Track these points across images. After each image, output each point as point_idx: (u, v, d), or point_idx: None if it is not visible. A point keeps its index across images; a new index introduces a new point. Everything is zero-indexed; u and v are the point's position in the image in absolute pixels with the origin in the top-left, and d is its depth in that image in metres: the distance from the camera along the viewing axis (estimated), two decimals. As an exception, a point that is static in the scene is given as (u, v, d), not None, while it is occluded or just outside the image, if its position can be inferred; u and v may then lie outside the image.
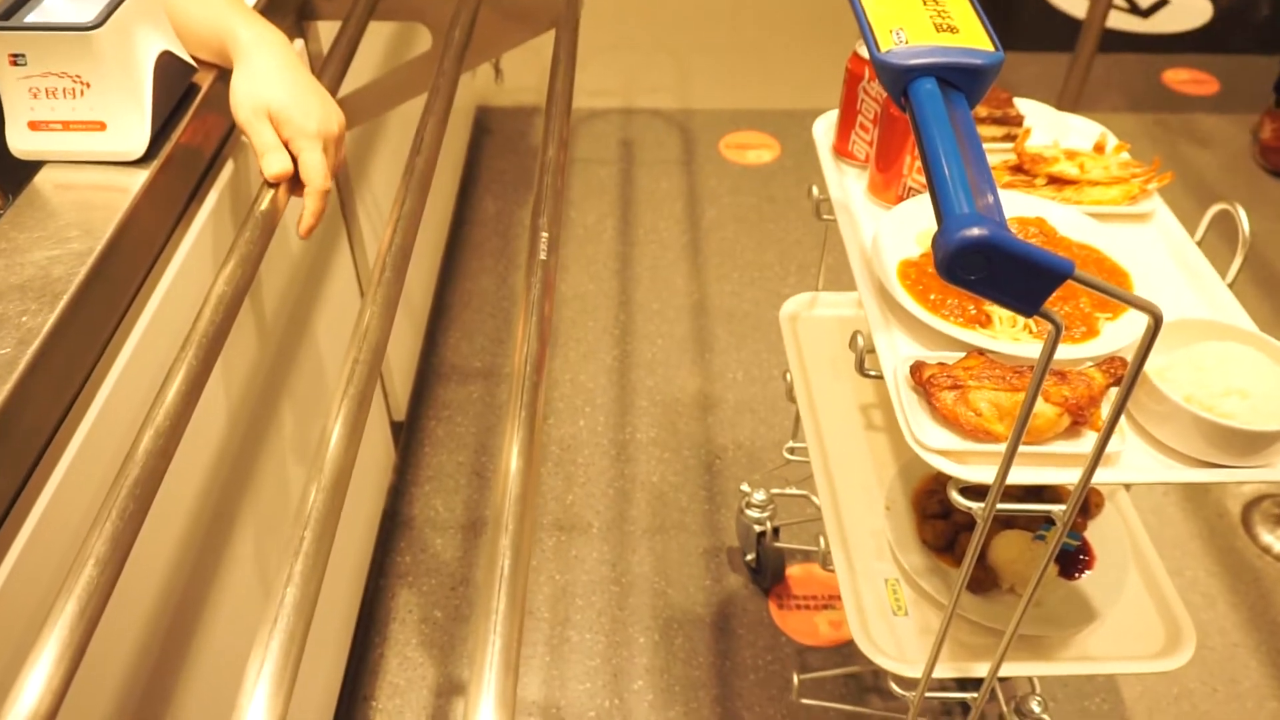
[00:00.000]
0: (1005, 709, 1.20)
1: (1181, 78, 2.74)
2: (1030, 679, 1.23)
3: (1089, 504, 1.06)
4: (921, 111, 0.63)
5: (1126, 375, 0.64)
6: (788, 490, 1.47)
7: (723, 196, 2.30)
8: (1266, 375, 0.78)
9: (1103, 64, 2.73)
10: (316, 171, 0.81)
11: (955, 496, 0.77)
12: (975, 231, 0.54)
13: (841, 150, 1.07)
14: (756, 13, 3.01)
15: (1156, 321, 0.59)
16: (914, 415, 0.79)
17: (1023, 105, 1.08)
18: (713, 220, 2.23)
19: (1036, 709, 1.15)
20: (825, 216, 1.06)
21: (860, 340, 0.89)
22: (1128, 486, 1.12)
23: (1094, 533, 1.06)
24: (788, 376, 1.22)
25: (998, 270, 0.56)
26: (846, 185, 1.05)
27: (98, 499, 0.67)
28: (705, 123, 2.54)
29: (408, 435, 1.74)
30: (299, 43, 1.09)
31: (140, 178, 0.75)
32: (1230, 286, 0.89)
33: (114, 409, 0.69)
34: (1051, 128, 1.08)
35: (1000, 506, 0.74)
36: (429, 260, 1.89)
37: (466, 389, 1.84)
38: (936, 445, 0.77)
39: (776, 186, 2.33)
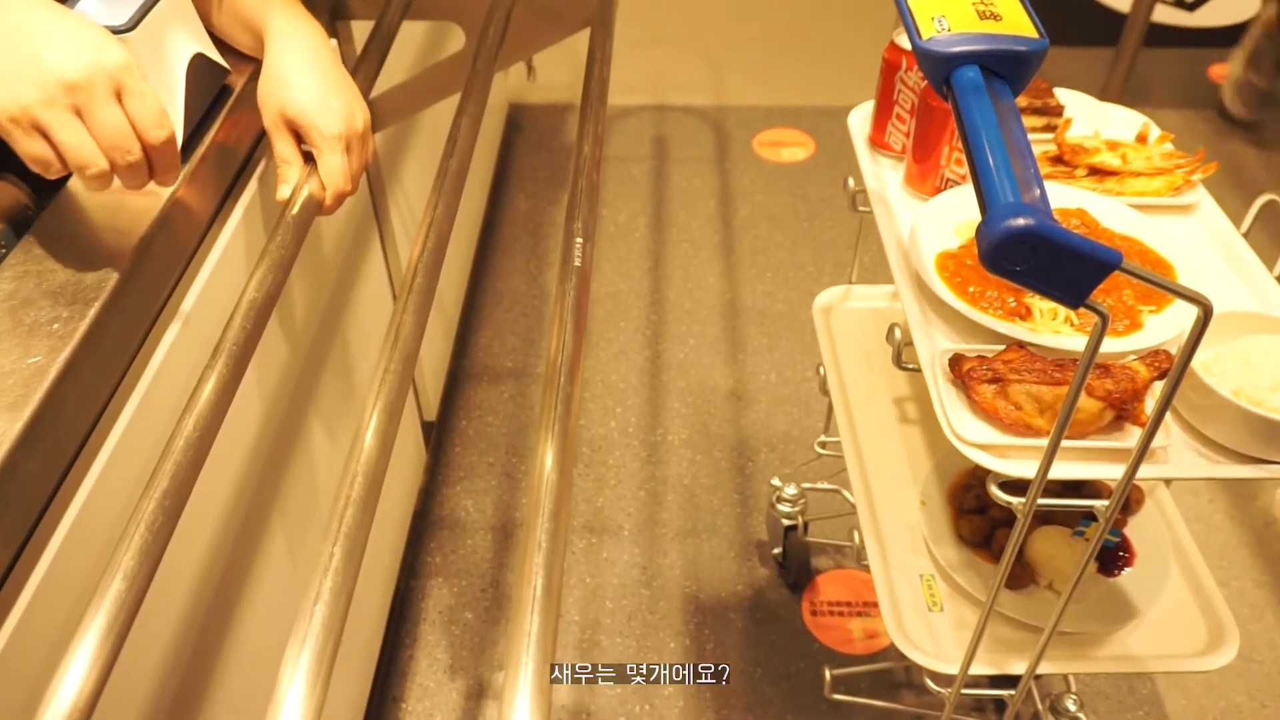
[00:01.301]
0: (1040, 706, 1.20)
1: (1227, 72, 2.68)
2: (1066, 676, 1.22)
3: (1129, 500, 1.05)
4: (965, 100, 0.62)
5: (1174, 367, 0.63)
6: (819, 485, 1.45)
7: (756, 194, 2.28)
8: None
9: (1147, 59, 2.66)
10: (335, 175, 0.80)
11: (995, 491, 0.76)
12: (1021, 221, 0.53)
13: (877, 141, 1.06)
14: (791, 7, 2.98)
15: (1206, 313, 0.57)
16: (953, 409, 0.78)
17: (1063, 95, 1.06)
18: (746, 219, 2.21)
19: (1072, 707, 1.14)
20: (861, 208, 1.05)
21: (898, 333, 0.88)
22: (1168, 482, 1.09)
23: (1134, 529, 1.04)
24: (821, 370, 1.21)
25: (1043, 261, 0.55)
26: (882, 176, 1.04)
27: (128, 508, 0.66)
28: (739, 120, 2.51)
29: (439, 435, 1.74)
30: (331, 43, 1.08)
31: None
32: (1278, 279, 0.87)
33: (145, 416, 0.69)
34: (1092, 118, 1.06)
35: (1041, 502, 0.73)
36: (460, 260, 1.89)
37: (497, 389, 1.83)
38: (976, 439, 0.76)
39: (811, 185, 2.30)
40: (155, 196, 0.73)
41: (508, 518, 1.63)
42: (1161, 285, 0.57)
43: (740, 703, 1.39)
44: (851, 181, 1.07)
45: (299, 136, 0.80)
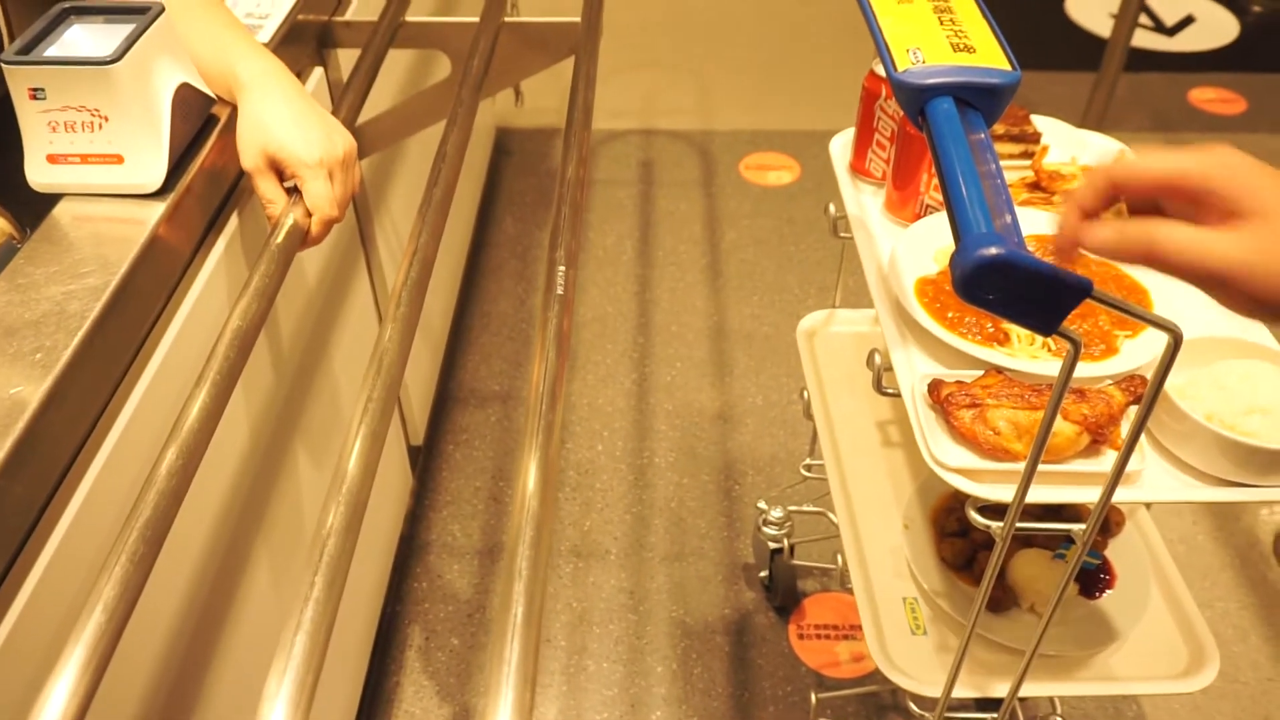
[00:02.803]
0: None
1: (1208, 96, 2.72)
2: (1051, 699, 1.21)
3: (1109, 523, 1.05)
4: (939, 131, 0.63)
5: (1146, 393, 0.63)
6: (804, 508, 1.46)
7: (742, 218, 2.29)
8: None
9: (1127, 83, 2.70)
10: (320, 199, 0.80)
11: (974, 515, 0.77)
12: (992, 251, 0.54)
13: (858, 168, 1.08)
14: (777, 33, 3.01)
15: (1176, 341, 0.58)
16: (932, 434, 0.79)
17: (1040, 122, 1.08)
18: (732, 242, 2.22)
19: None
20: (842, 234, 1.06)
21: (878, 358, 0.89)
22: (1148, 505, 1.10)
23: (1114, 552, 1.05)
24: (804, 394, 1.22)
25: (1015, 289, 0.55)
26: (863, 203, 1.05)
27: (110, 537, 0.66)
28: (725, 144, 2.53)
29: (425, 459, 1.73)
30: (318, 71, 1.09)
31: (158, 210, 0.75)
32: None
33: (128, 445, 0.69)
34: (1069, 145, 1.07)
35: (1019, 525, 0.74)
36: (448, 284, 1.89)
37: (484, 413, 1.84)
38: (954, 464, 0.77)
39: (797, 208, 2.32)
40: (139, 226, 0.74)
41: (494, 542, 1.62)
42: (1132, 313, 0.57)
43: (727, 727, 1.38)
44: (833, 208, 1.08)
45: (282, 176, 0.81)
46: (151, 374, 0.72)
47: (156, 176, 0.75)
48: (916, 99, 0.66)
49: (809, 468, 1.42)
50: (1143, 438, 0.79)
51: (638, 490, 1.70)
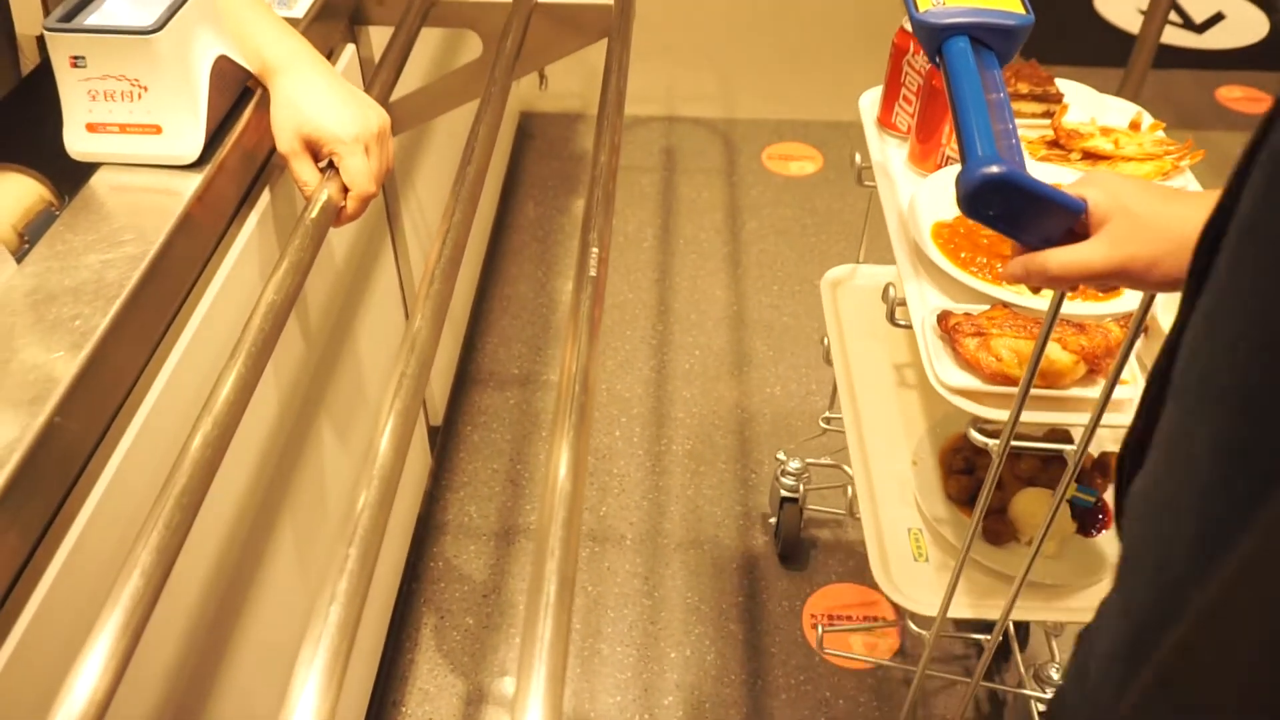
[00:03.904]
0: (1024, 674, 1.27)
1: (1235, 95, 2.69)
2: (1050, 647, 1.32)
3: (1109, 467, 1.11)
4: (953, 66, 0.69)
5: (1134, 316, 0.71)
6: (822, 460, 1.52)
7: (764, 208, 2.28)
8: None
9: (1155, 80, 2.67)
10: (359, 175, 0.81)
11: (973, 433, 0.83)
12: (994, 169, 0.60)
13: (885, 122, 1.14)
14: (801, 23, 2.99)
15: None
16: (938, 359, 0.86)
17: (1063, 85, 1.13)
18: (753, 231, 2.22)
19: (1055, 676, 1.20)
20: (866, 183, 1.13)
21: (892, 291, 0.95)
22: None
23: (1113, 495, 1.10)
24: (825, 341, 1.30)
25: (1014, 206, 0.62)
26: (888, 154, 1.12)
27: (145, 505, 0.67)
28: (748, 133, 2.52)
29: (444, 440, 1.74)
30: (350, 48, 1.09)
31: (194, 182, 0.75)
32: None
33: (162, 414, 0.69)
34: (1090, 106, 1.12)
35: (1015, 444, 0.81)
36: (470, 266, 1.89)
37: (503, 395, 1.84)
38: (958, 386, 0.84)
39: (819, 199, 2.31)
40: (176, 197, 0.74)
41: (511, 524, 1.63)
42: None
43: (739, 715, 1.39)
44: (859, 157, 1.14)
45: (316, 158, 0.81)
46: (185, 344, 0.73)
47: (194, 148, 0.75)
48: (935, 37, 0.71)
49: (828, 420, 1.49)
50: (1137, 371, 0.85)
51: (654, 477, 1.70)
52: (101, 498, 0.63)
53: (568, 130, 2.52)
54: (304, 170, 0.81)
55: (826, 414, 1.49)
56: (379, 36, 1.17)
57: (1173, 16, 3.00)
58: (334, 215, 0.79)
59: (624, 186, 2.34)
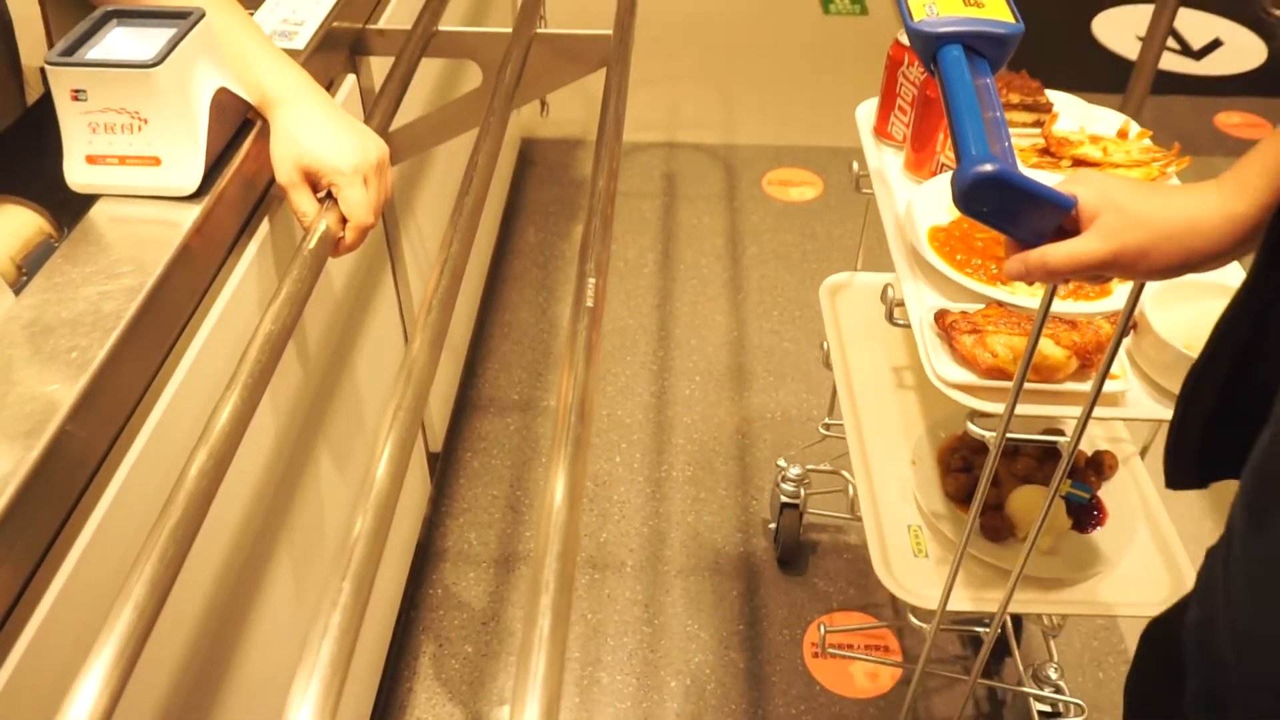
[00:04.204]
0: (1023, 674, 1.30)
1: (1234, 121, 2.70)
2: (1048, 647, 1.36)
3: (1103, 465, 1.16)
4: (948, 73, 0.72)
5: (1123, 310, 0.75)
6: (821, 466, 1.55)
7: (764, 233, 2.29)
8: None
9: (1153, 106, 2.69)
10: (358, 206, 0.81)
11: (970, 427, 0.87)
12: (987, 168, 0.63)
13: (881, 131, 1.18)
14: (802, 48, 3.01)
15: None
16: (936, 356, 0.89)
17: (1053, 95, 1.17)
18: (754, 257, 2.22)
19: (1054, 675, 1.25)
20: (864, 190, 1.17)
21: (891, 291, 0.99)
22: (1143, 453, 1.22)
23: (1108, 494, 1.15)
24: (824, 345, 1.33)
25: (1007, 203, 0.65)
26: (884, 161, 1.16)
27: (140, 536, 0.66)
28: (748, 158, 2.54)
29: (443, 466, 1.74)
30: (350, 78, 1.10)
31: (193, 213, 0.76)
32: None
33: (158, 446, 0.69)
34: (1079, 116, 1.17)
35: (1010, 436, 0.84)
36: (470, 292, 1.90)
37: (503, 421, 1.84)
38: (955, 381, 0.87)
39: (819, 224, 2.32)
40: (175, 228, 0.74)
41: (510, 551, 1.62)
42: None
43: (740, 744, 1.37)
44: (856, 165, 1.19)
45: (315, 189, 0.81)
46: (183, 374, 0.73)
47: (193, 179, 0.76)
48: (930, 45, 0.74)
49: (827, 426, 1.53)
50: (1129, 366, 0.89)
51: (655, 503, 1.69)
52: (97, 530, 0.63)
53: (568, 157, 2.53)
54: (303, 201, 0.81)
55: (826, 420, 1.53)
56: (380, 67, 1.18)
57: (1171, 43, 3.02)
58: (332, 246, 0.80)
59: (625, 212, 2.35)
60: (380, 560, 0.57)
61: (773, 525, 1.61)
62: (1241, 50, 3.03)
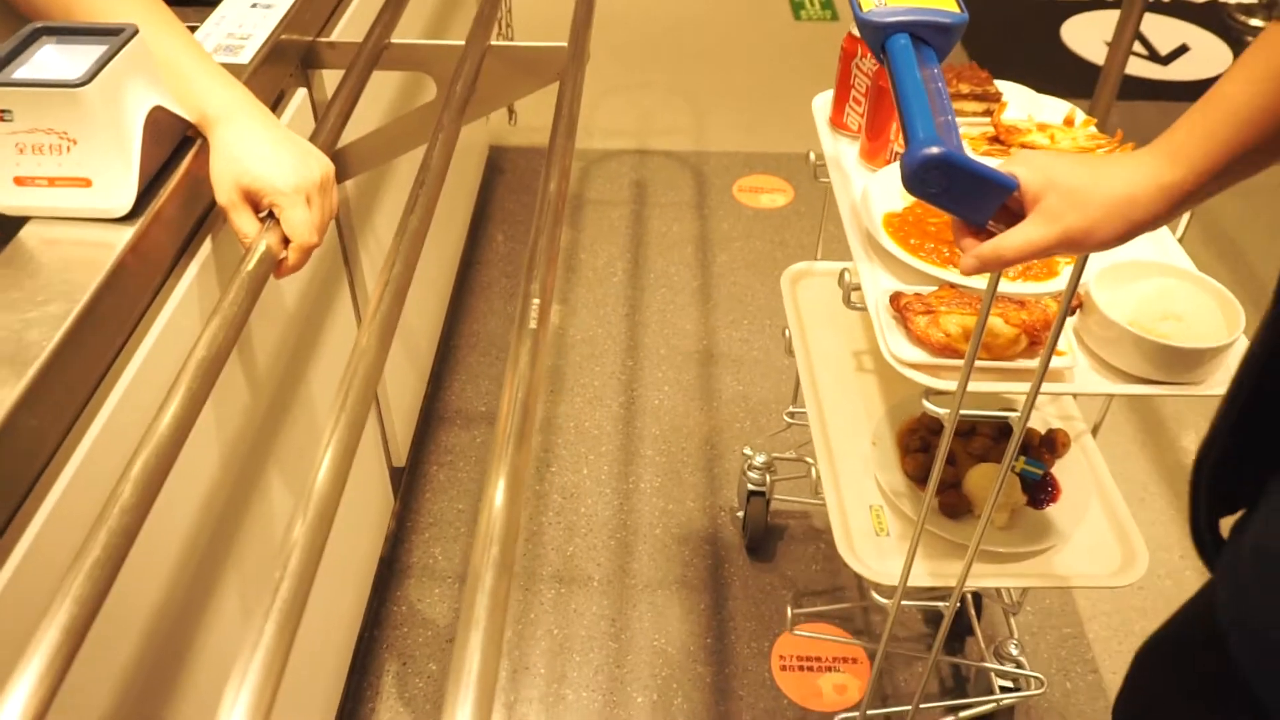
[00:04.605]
0: (985, 651, 1.35)
1: (1202, 127, 2.72)
2: (1009, 624, 1.40)
3: (1056, 443, 1.19)
4: (896, 61, 0.75)
5: (1067, 287, 0.77)
6: (786, 454, 1.59)
7: (735, 241, 2.28)
8: (1200, 305, 0.91)
9: (1120, 111, 2.70)
10: (300, 226, 0.79)
11: (925, 404, 0.90)
12: (933, 150, 0.67)
13: (837, 122, 1.21)
14: (773, 54, 3.01)
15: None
16: (891, 336, 0.92)
17: (1001, 85, 1.20)
18: (724, 265, 2.21)
19: (1014, 651, 1.30)
20: (821, 179, 1.19)
21: (848, 276, 1.02)
22: (1094, 431, 1.26)
23: (1061, 470, 1.19)
24: (786, 333, 1.36)
25: (953, 184, 0.68)
26: (841, 151, 1.19)
27: (61, 575, 0.64)
28: (719, 165, 2.53)
29: (409, 480, 1.71)
30: (301, 92, 1.08)
31: (126, 235, 0.74)
32: (1180, 241, 1.02)
33: (86, 480, 0.67)
34: (1027, 105, 1.19)
35: (963, 412, 0.87)
36: (436, 302, 1.88)
37: (470, 434, 1.82)
38: (910, 360, 0.90)
39: (789, 232, 2.31)
40: (107, 250, 0.72)
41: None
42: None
43: (707, 761, 1.36)
44: (813, 155, 1.22)
45: (257, 209, 0.80)
46: (114, 403, 0.71)
47: (125, 201, 0.74)
48: (879, 35, 0.78)
49: (792, 415, 1.55)
50: (1075, 344, 0.92)
51: (622, 515, 1.68)
52: (15, 572, 0.61)
53: (537, 164, 2.52)
54: (243, 222, 0.80)
55: (790, 408, 1.55)
56: (334, 80, 1.16)
57: (1139, 49, 3.04)
58: (273, 267, 0.78)
59: (594, 220, 2.34)
60: (320, 558, 0.56)
61: (740, 514, 1.63)
62: (1208, 56, 3.05)
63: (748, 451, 1.54)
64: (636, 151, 2.57)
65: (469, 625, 0.50)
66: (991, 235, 0.73)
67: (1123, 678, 0.91)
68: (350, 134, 1.19)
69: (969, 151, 0.75)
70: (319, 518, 0.56)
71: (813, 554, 1.62)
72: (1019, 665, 1.29)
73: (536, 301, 0.72)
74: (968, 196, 0.70)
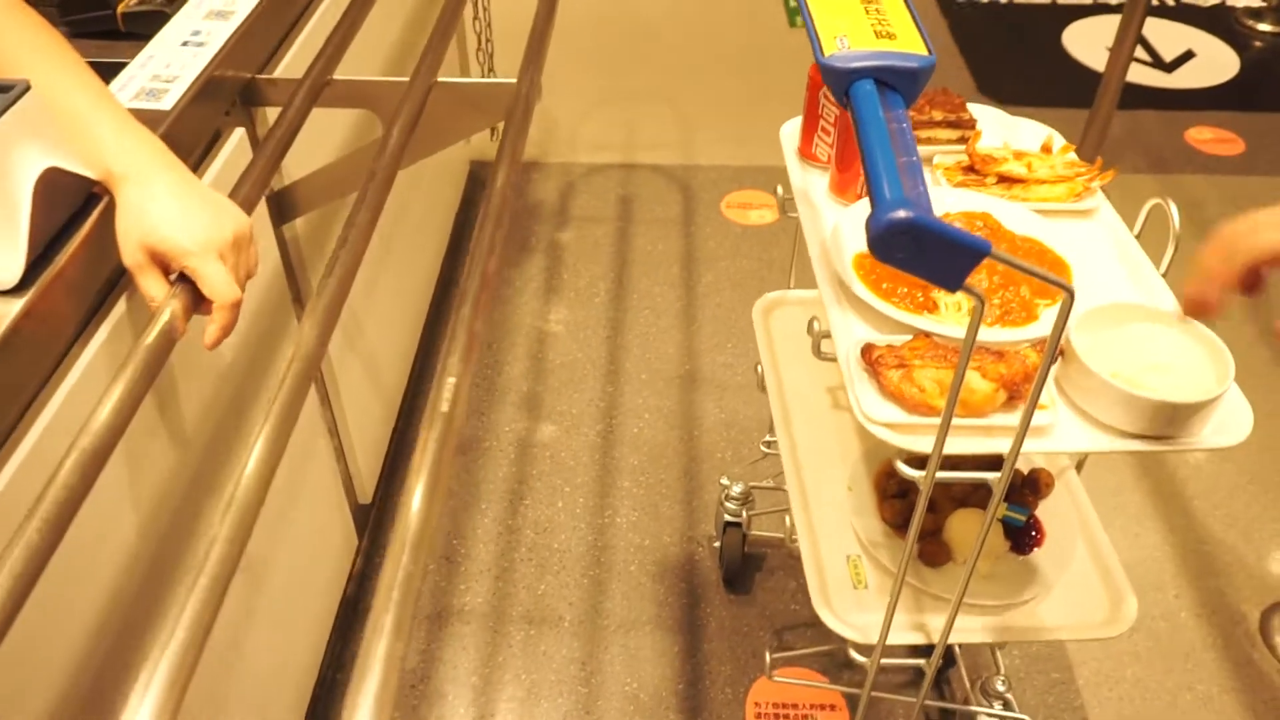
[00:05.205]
0: (970, 688, 1.30)
1: (1205, 136, 2.64)
2: (995, 660, 1.34)
3: (1039, 484, 1.13)
4: (860, 110, 0.70)
5: (1048, 343, 0.71)
6: (764, 483, 1.52)
7: (721, 259, 2.23)
8: (1188, 354, 0.85)
9: (1122, 120, 2.63)
10: (217, 284, 0.75)
11: (901, 466, 0.84)
12: (901, 214, 0.61)
13: (806, 153, 1.15)
14: (767, 63, 2.95)
15: (1070, 296, 0.66)
16: (863, 392, 0.86)
17: (976, 110, 1.14)
18: (709, 284, 2.16)
19: (1000, 687, 1.24)
20: (790, 214, 1.13)
21: (816, 325, 0.97)
22: (1079, 467, 1.19)
23: (1045, 512, 1.12)
24: (759, 368, 1.30)
25: (923, 249, 0.62)
26: (810, 183, 1.12)
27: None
28: (708, 180, 2.47)
29: (377, 516, 1.67)
30: (239, 131, 1.03)
31: (15, 307, 0.69)
32: (1164, 276, 0.95)
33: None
34: (1003, 130, 1.13)
35: (940, 475, 0.82)
36: (409, 329, 1.83)
37: (443, 464, 1.77)
38: (883, 419, 0.84)
39: (777, 250, 2.25)
40: (-5, 324, 0.68)
41: (443, 606, 1.56)
42: (1027, 270, 0.63)
43: (676, 816, 1.31)
44: (781, 189, 1.16)
45: (168, 271, 0.75)
46: (8, 479, 0.66)
47: (13, 272, 0.69)
48: (842, 80, 0.72)
49: (769, 444, 1.48)
50: (1057, 395, 0.86)
51: (596, 551, 1.63)
52: None
53: (523, 178, 2.47)
54: (150, 285, 0.75)
55: (768, 437, 1.49)
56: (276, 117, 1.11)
57: (1143, 55, 2.97)
58: (175, 337, 0.73)
59: (578, 238, 2.28)
60: (240, 558, 0.52)
61: (717, 544, 1.58)
62: (1214, 62, 2.98)
63: (725, 481, 1.49)
64: (622, 166, 2.52)
65: None
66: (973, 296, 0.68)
67: None
68: (299, 170, 1.14)
69: (944, 199, 0.77)
70: (242, 515, 0.56)
71: (792, 588, 1.57)
72: (1006, 704, 1.24)
73: (452, 380, 0.67)
74: (938, 261, 0.64)
